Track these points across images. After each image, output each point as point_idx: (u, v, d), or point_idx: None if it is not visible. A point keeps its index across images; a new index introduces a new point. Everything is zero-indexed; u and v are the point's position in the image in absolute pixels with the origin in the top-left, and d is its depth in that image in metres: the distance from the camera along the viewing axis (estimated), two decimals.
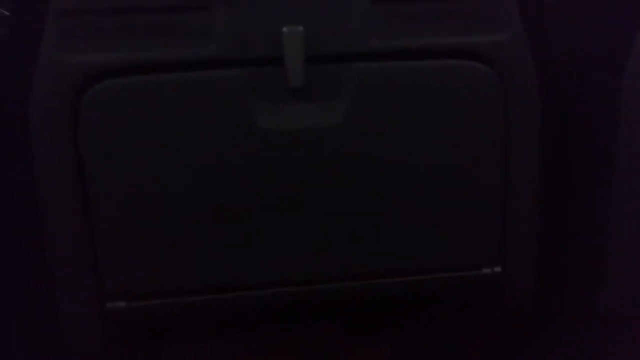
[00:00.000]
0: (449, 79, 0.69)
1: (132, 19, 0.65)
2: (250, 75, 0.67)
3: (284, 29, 0.65)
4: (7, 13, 0.72)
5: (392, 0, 0.67)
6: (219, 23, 0.66)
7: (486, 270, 0.75)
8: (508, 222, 0.74)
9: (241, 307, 0.74)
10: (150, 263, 0.70)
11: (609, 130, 0.71)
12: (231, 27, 0.66)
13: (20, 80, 0.66)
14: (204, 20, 0.66)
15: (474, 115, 0.70)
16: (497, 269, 0.75)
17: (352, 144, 0.69)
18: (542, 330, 0.86)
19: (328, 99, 0.68)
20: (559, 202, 0.79)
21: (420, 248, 0.73)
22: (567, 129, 0.77)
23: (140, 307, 0.71)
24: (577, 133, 0.77)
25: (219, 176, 0.68)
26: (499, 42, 0.69)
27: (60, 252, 0.69)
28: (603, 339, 0.81)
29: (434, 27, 0.68)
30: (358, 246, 0.72)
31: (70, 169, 0.66)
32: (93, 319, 0.72)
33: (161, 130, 0.66)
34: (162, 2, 0.65)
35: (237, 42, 0.66)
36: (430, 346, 0.94)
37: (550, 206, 0.77)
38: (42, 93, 0.65)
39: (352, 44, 0.67)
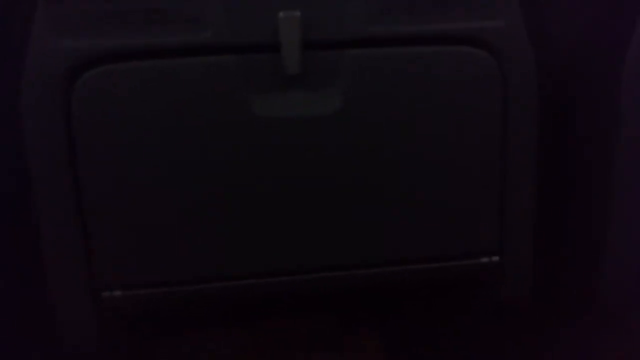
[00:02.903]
0: (447, 65, 0.68)
1: (124, 4, 0.64)
2: (246, 62, 0.66)
3: (281, 14, 0.65)
4: None
5: None
6: (214, 9, 0.65)
7: (484, 260, 0.75)
8: (506, 211, 0.74)
9: (237, 297, 0.74)
10: (146, 252, 0.70)
11: (609, 119, 0.71)
12: (226, 12, 0.65)
13: (11, 67, 0.65)
14: (198, 6, 0.65)
15: (473, 102, 0.69)
16: (495, 259, 0.75)
17: (350, 131, 0.68)
18: (539, 322, 0.86)
19: (326, 86, 0.68)
20: (558, 193, 0.79)
21: (418, 236, 0.73)
22: (566, 117, 0.77)
23: (137, 296, 0.71)
24: (577, 122, 0.76)
25: (214, 164, 0.68)
26: (497, 28, 0.68)
27: (54, 240, 0.69)
28: (602, 333, 0.81)
29: (433, 12, 0.68)
30: (355, 235, 0.72)
31: (63, 157, 0.66)
32: (88, 309, 0.71)
33: (155, 117, 0.66)
34: None
35: (232, 28, 0.65)
36: (424, 336, 0.94)
37: (549, 197, 0.77)
38: (33, 79, 0.64)
39: (350, 30, 0.67)
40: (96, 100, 0.65)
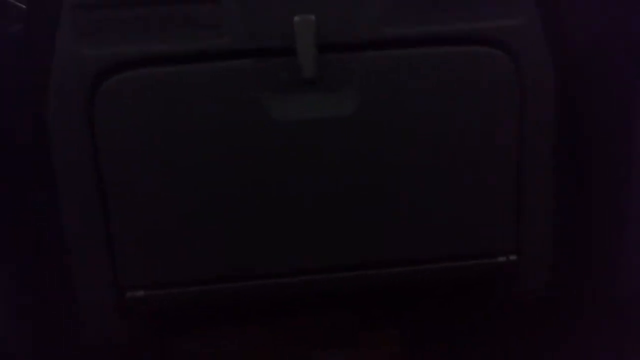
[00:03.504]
0: (464, 65, 0.68)
1: (144, 11, 0.65)
2: (262, 66, 0.67)
3: (296, 18, 0.65)
4: (24, 7, 0.73)
5: None
6: (230, 14, 0.66)
7: (501, 259, 0.75)
8: (523, 210, 0.74)
9: (257, 296, 0.75)
10: (168, 252, 0.71)
11: (626, 117, 0.71)
12: (243, 17, 0.66)
13: (37, 74, 0.67)
14: (215, 12, 0.66)
15: (489, 101, 0.70)
16: (513, 257, 0.75)
17: (368, 132, 0.69)
18: (553, 321, 0.86)
19: (342, 88, 0.68)
20: (575, 192, 0.79)
21: (436, 236, 0.73)
22: (583, 116, 0.77)
23: (159, 295, 0.72)
24: (593, 121, 0.76)
25: (232, 167, 0.69)
26: (513, 27, 0.68)
27: (78, 242, 0.70)
28: (611, 331, 0.80)
29: (447, 13, 0.68)
30: (373, 235, 0.72)
31: (88, 160, 0.67)
32: (112, 309, 0.73)
33: (175, 121, 0.67)
34: None
35: (248, 32, 0.66)
36: (439, 332, 0.94)
37: (566, 196, 0.77)
38: (58, 86, 0.66)
39: (365, 33, 0.67)
40: (119, 105, 0.66)
